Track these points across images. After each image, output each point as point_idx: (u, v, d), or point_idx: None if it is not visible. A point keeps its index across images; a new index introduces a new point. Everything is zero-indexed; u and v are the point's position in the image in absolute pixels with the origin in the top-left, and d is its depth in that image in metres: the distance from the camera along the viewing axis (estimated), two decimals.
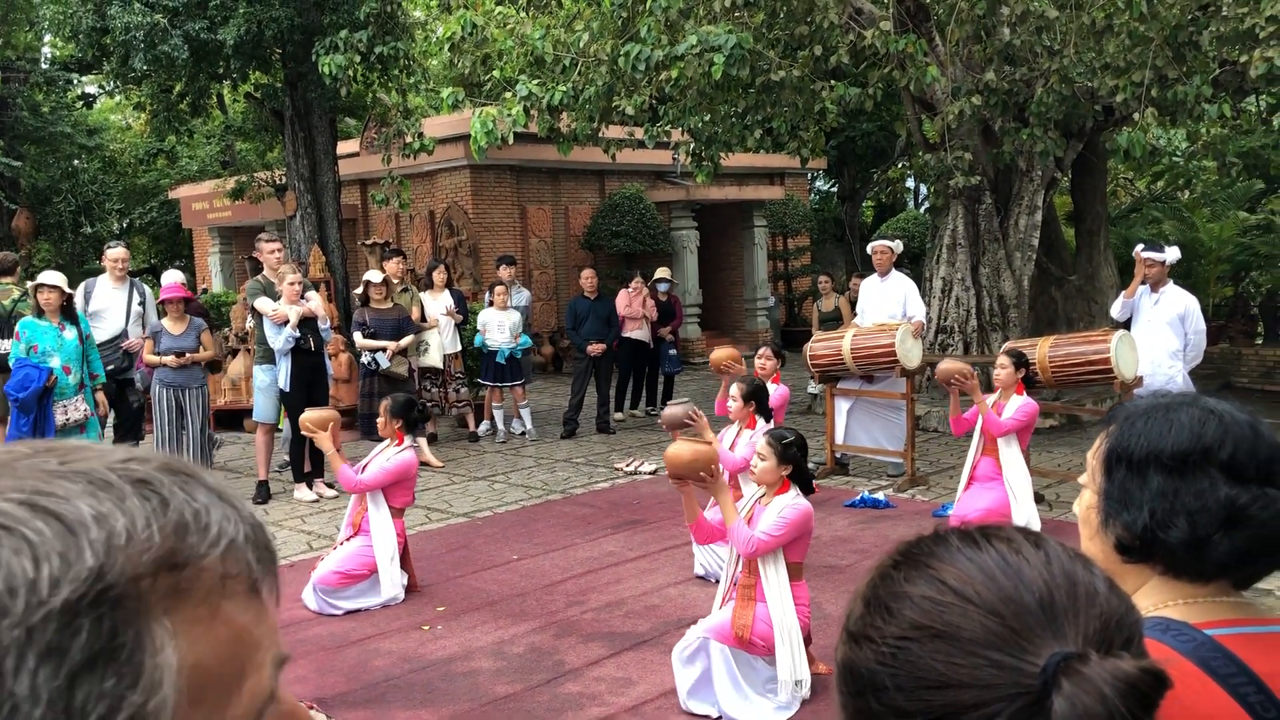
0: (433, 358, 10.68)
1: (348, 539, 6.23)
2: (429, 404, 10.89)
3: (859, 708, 0.80)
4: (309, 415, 6.40)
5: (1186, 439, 1.31)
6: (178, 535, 0.60)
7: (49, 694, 0.53)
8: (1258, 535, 1.28)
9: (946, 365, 7.07)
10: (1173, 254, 7.73)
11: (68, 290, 7.83)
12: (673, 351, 12.52)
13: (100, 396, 8.04)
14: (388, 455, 6.26)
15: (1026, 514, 6.57)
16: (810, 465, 9.18)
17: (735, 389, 6.60)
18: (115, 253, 9.04)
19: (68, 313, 7.80)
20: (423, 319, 10.67)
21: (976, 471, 6.84)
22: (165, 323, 8.45)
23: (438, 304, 10.89)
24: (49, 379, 7.44)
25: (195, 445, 8.48)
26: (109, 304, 8.91)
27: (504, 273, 11.69)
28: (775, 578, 4.50)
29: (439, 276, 11.08)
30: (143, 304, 9.05)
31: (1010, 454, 6.72)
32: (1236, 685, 1.21)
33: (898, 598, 0.79)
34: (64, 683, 0.54)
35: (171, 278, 8.90)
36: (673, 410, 6.27)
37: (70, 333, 7.72)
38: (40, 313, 7.64)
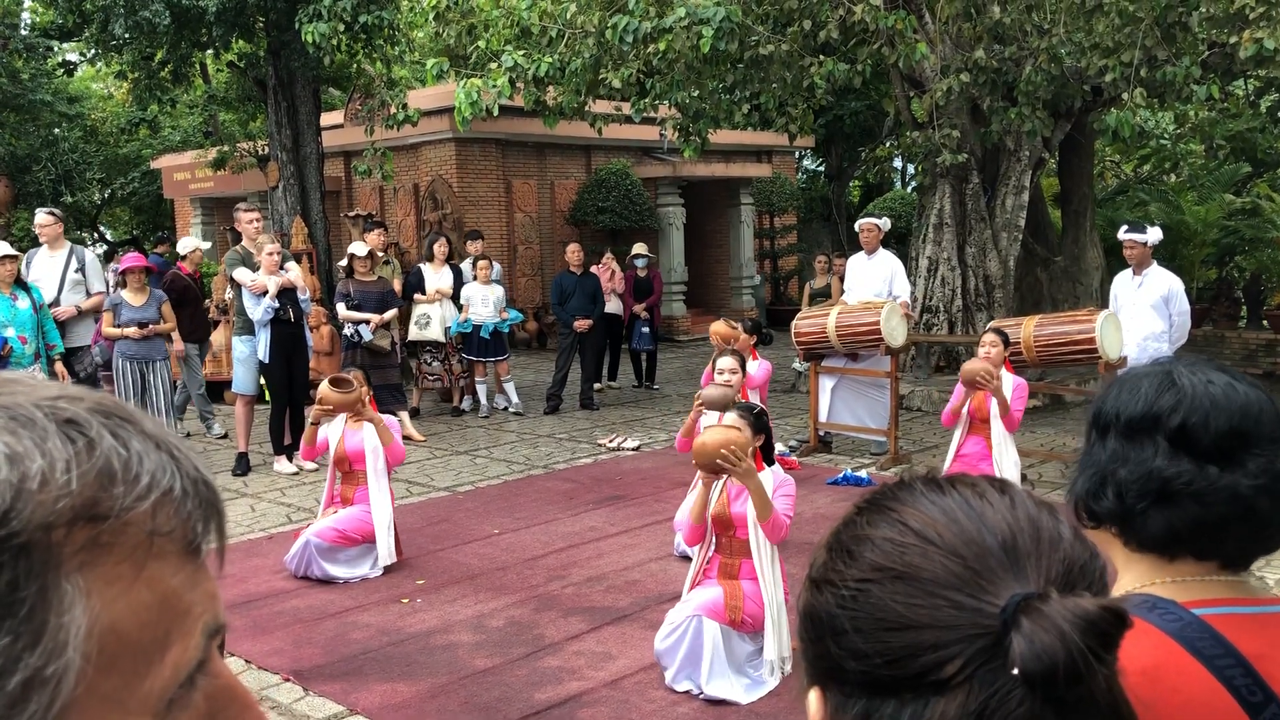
0: (434, 331, 10.63)
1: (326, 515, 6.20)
2: (428, 376, 10.88)
3: (818, 653, 0.79)
4: (330, 398, 6.14)
5: (1141, 405, 1.28)
6: (101, 483, 0.54)
7: None
8: (1191, 514, 1.24)
9: (973, 365, 6.82)
10: (1154, 234, 7.70)
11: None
12: (645, 329, 12.47)
13: (59, 367, 7.93)
14: (379, 423, 6.23)
15: None
16: (793, 443, 9.26)
17: (730, 362, 6.60)
18: (38, 219, 8.83)
19: (20, 282, 7.71)
20: (421, 291, 10.64)
21: (962, 450, 6.83)
22: (125, 294, 8.28)
23: (438, 278, 10.81)
24: (3, 348, 7.36)
25: (159, 418, 8.37)
26: (43, 272, 8.68)
27: (472, 247, 11.61)
28: (768, 559, 4.48)
29: (440, 249, 10.98)
30: (81, 270, 8.74)
31: (1002, 433, 6.70)
32: (1222, 667, 1.18)
33: (859, 541, 0.79)
34: None
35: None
36: (711, 393, 5.96)
37: (23, 302, 7.62)
38: None
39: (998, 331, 7.01)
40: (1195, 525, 1.24)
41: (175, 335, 9.35)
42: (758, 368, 7.85)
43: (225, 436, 9.97)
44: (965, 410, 6.84)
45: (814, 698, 0.79)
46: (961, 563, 0.73)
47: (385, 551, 6.05)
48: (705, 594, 4.50)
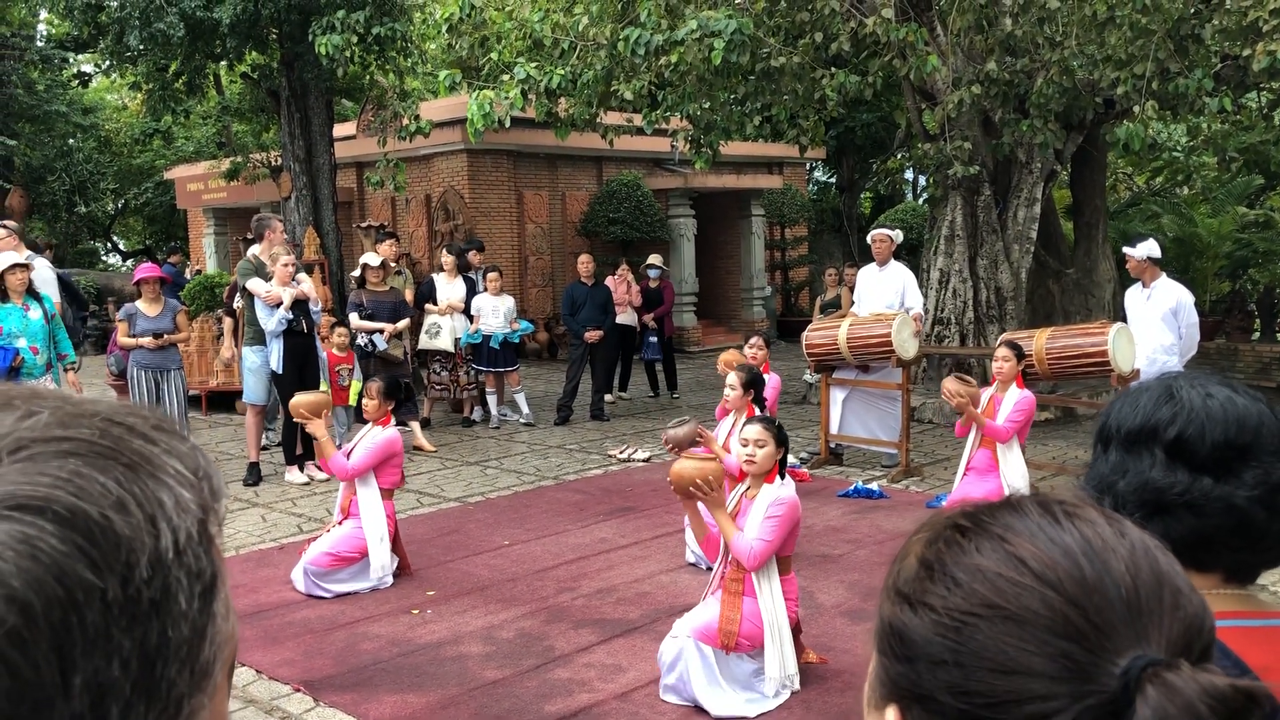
0: (444, 341, 10.65)
1: (339, 523, 6.19)
2: (436, 386, 10.90)
3: (905, 673, 0.74)
4: (300, 400, 6.30)
5: (1139, 418, 1.30)
6: (210, 474, 0.62)
7: (193, 613, 0.56)
8: (1186, 525, 1.24)
9: (951, 386, 6.79)
10: (1144, 248, 7.64)
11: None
12: (653, 339, 12.48)
13: (71, 376, 7.96)
14: (372, 436, 6.21)
15: None
16: (804, 455, 9.24)
17: (734, 378, 6.55)
18: None
19: (32, 292, 7.75)
20: (433, 301, 10.68)
21: (973, 462, 6.81)
22: (140, 305, 8.35)
23: (450, 289, 10.85)
24: (15, 359, 7.38)
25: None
26: None
27: (474, 258, 11.62)
28: (765, 576, 4.46)
29: (449, 261, 11.02)
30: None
31: (1007, 447, 6.69)
32: None
33: (966, 568, 0.73)
34: (199, 603, 0.57)
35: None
36: (676, 432, 6.02)
37: (35, 312, 7.65)
38: (4, 295, 7.57)
39: (1011, 345, 6.98)
40: (1191, 536, 1.25)
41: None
42: (766, 382, 7.84)
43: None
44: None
45: (892, 715, 0.76)
46: (1082, 614, 0.69)
47: (378, 566, 5.97)
48: (701, 615, 4.49)
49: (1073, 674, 0.67)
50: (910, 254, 16.15)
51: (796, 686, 4.46)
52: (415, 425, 9.92)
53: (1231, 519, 1.23)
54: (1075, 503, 0.78)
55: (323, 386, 9.25)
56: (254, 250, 8.95)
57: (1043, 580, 0.71)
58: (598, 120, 11.15)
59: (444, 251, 11.19)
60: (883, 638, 0.77)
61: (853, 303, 9.91)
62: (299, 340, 8.51)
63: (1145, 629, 0.69)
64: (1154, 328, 7.61)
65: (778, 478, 4.61)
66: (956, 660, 0.71)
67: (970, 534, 0.75)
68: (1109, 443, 1.33)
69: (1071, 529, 0.74)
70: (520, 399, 11.22)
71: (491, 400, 11.15)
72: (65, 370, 7.94)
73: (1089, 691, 0.67)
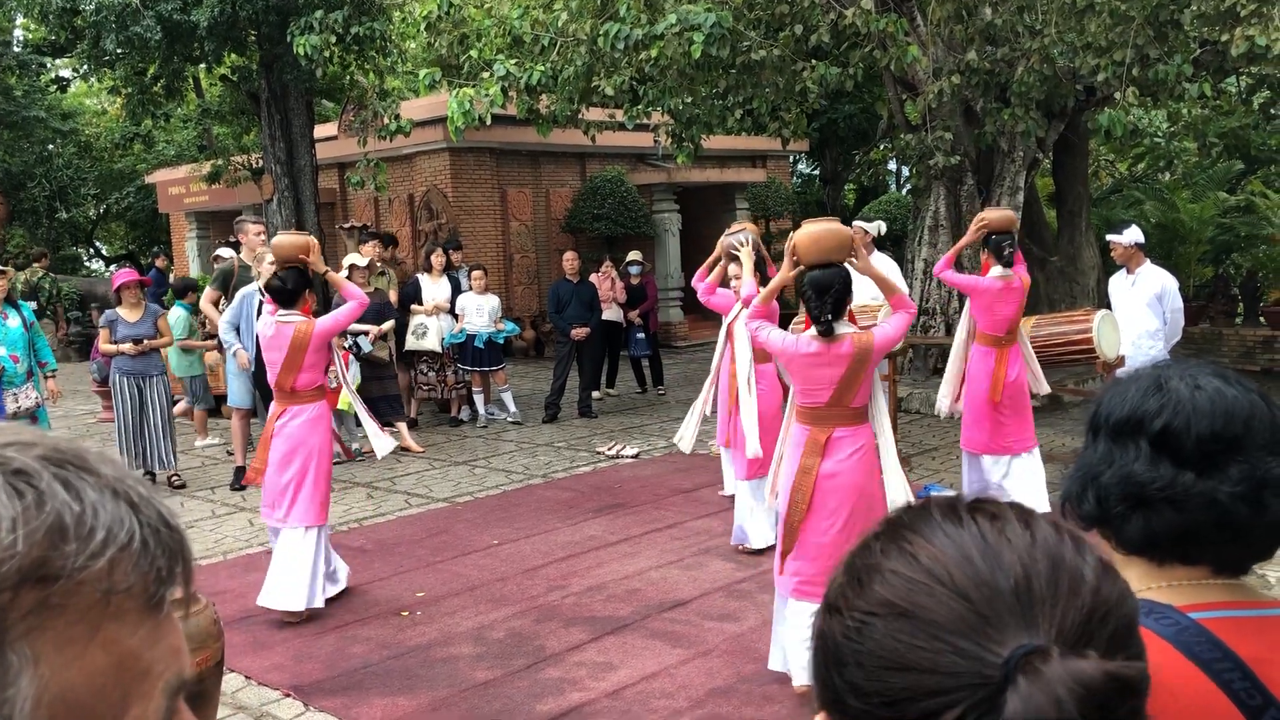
0: (430, 341, 10.60)
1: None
2: (423, 386, 10.85)
3: (826, 679, 0.75)
4: (282, 244, 5.87)
5: (1126, 409, 1.28)
6: (51, 541, 0.50)
7: None
8: (1167, 519, 1.23)
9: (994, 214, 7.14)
10: (1130, 235, 7.67)
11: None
12: (640, 335, 12.48)
13: (52, 384, 7.91)
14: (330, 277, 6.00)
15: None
16: None
17: (735, 269, 6.76)
18: None
19: (11, 300, 7.70)
20: (418, 302, 10.64)
21: (973, 359, 7.10)
22: (121, 310, 8.29)
23: (436, 289, 10.80)
24: None
25: (157, 434, 8.35)
26: None
27: (456, 256, 11.57)
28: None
29: (437, 260, 10.97)
30: None
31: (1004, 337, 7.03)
32: (1220, 670, 1.17)
33: (870, 570, 0.75)
34: None
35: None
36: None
37: (14, 320, 7.60)
38: None
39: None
40: (1172, 531, 1.24)
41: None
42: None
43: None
44: (964, 322, 7.18)
45: None
46: (969, 606, 0.69)
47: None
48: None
49: (960, 668, 0.67)
50: (894, 245, 16.16)
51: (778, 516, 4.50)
52: (402, 426, 9.88)
53: (1213, 514, 1.21)
54: (986, 501, 0.78)
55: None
56: (225, 251, 8.98)
57: (932, 575, 0.71)
58: (579, 116, 11.12)
59: (437, 251, 11.12)
60: (812, 648, 0.79)
61: None
62: None
63: (1034, 618, 0.68)
64: (1139, 314, 7.63)
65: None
66: (857, 660, 0.72)
67: (881, 537, 0.77)
68: (1098, 432, 1.32)
69: (971, 525, 0.74)
70: (507, 397, 11.19)
71: (478, 399, 11.12)
72: (46, 378, 7.90)
73: (976, 684, 0.66)
